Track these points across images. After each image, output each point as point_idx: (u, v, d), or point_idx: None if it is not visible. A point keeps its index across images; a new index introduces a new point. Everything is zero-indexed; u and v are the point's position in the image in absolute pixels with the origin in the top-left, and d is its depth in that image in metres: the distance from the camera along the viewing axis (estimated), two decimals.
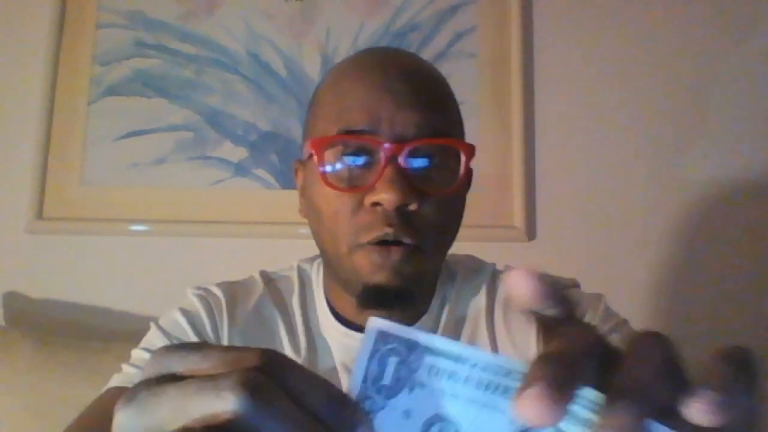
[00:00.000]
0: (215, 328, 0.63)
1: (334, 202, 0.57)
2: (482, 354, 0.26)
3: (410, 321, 0.63)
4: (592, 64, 1.24)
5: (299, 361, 0.61)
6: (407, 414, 0.26)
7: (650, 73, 1.24)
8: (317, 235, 0.61)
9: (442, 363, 0.26)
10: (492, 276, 0.69)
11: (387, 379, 0.27)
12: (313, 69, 1.21)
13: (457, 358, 0.26)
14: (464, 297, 0.67)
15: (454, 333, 0.64)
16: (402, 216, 0.55)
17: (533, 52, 1.24)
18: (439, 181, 0.57)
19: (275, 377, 0.24)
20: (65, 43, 1.21)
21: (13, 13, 1.23)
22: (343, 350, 0.63)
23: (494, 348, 0.63)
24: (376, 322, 0.27)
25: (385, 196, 0.53)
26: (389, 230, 0.54)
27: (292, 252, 0.70)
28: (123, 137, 1.19)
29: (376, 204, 0.55)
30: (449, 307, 0.65)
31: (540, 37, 1.25)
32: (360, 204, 0.56)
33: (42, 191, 1.17)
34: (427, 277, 0.61)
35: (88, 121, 1.20)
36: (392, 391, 0.26)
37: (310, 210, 0.61)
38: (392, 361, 0.27)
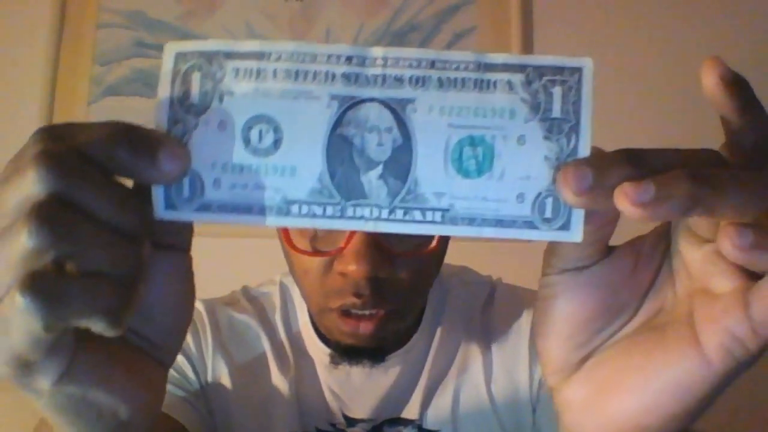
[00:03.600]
0: (198, 340, 0.61)
1: (303, 261, 0.53)
2: (282, 44, 0.25)
3: (399, 344, 0.61)
4: None
5: (287, 383, 0.59)
6: (222, 125, 0.25)
7: (652, 74, 1.24)
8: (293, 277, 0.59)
9: (246, 64, 0.25)
10: (489, 296, 0.65)
11: (194, 98, 0.25)
12: None
13: (260, 55, 0.25)
14: (457, 318, 0.63)
15: (447, 358, 0.61)
16: (373, 284, 0.50)
17: (533, 52, 1.24)
18: (415, 240, 0.52)
19: (69, 142, 0.23)
20: (65, 43, 1.21)
21: (13, 13, 1.23)
22: (328, 373, 0.60)
23: (488, 375, 0.60)
24: (172, 46, 0.25)
25: (353, 268, 0.49)
26: (357, 301, 0.51)
27: None
28: None
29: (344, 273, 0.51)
30: (442, 330, 0.62)
31: (540, 37, 1.25)
32: (330, 266, 0.52)
33: None
34: (406, 324, 0.59)
35: (88, 121, 1.19)
36: (201, 107, 0.25)
37: (284, 254, 0.57)
38: (195, 77, 0.25)
